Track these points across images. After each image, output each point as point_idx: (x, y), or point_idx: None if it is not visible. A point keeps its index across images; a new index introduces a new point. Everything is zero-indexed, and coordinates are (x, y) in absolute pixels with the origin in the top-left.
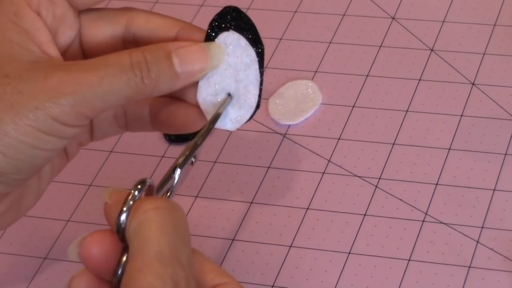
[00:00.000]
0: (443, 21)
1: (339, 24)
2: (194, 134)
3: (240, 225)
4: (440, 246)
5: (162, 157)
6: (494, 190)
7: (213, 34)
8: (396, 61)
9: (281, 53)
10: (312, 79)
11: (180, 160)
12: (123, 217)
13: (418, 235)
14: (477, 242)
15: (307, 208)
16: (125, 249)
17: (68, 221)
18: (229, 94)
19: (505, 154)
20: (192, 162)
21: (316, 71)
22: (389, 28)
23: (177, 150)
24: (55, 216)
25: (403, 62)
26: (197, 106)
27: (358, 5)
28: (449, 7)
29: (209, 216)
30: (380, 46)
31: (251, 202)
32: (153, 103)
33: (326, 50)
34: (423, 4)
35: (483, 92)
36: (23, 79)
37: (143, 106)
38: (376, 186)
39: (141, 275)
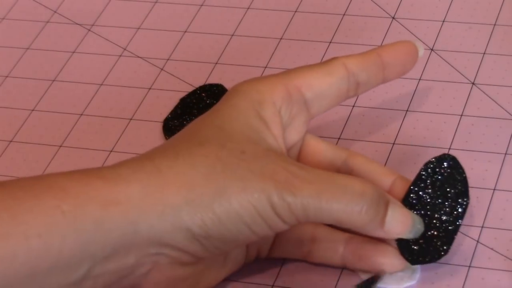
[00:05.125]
0: (443, 21)
1: (339, 24)
2: None
3: None
4: None
5: None
6: (494, 189)
7: (425, 174)
8: None
9: (281, 53)
10: None
11: None
12: None
13: None
14: (477, 241)
15: None
16: None
17: None
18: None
19: (505, 154)
20: None
21: None
22: (389, 28)
23: None
24: None
25: None
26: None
27: (358, 5)
28: (449, 7)
29: None
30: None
31: None
32: (353, 241)
33: (326, 50)
34: (423, 4)
35: (483, 92)
36: (257, 159)
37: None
38: None
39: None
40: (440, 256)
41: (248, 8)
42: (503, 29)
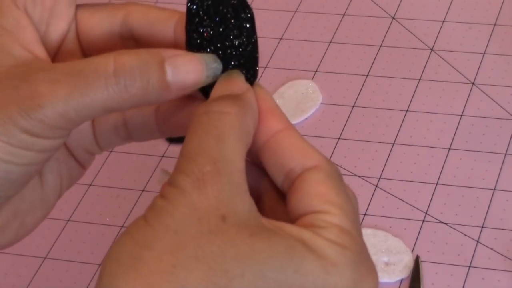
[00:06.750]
0: (443, 21)
1: (339, 24)
2: None
3: None
4: (440, 245)
5: (162, 157)
6: (494, 190)
7: (193, 7)
8: (396, 61)
9: (281, 53)
10: (312, 79)
11: None
12: None
13: (418, 234)
14: (477, 242)
15: None
16: None
17: (68, 221)
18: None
19: (505, 154)
20: None
21: (316, 71)
22: (389, 28)
23: (177, 150)
24: (55, 216)
25: (403, 62)
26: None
27: (358, 5)
28: (449, 7)
29: None
30: (380, 46)
31: None
32: (161, 108)
33: (326, 50)
34: (423, 4)
35: (483, 92)
36: None
37: (147, 114)
38: (376, 186)
39: None
40: (251, 84)
41: None
42: (503, 29)
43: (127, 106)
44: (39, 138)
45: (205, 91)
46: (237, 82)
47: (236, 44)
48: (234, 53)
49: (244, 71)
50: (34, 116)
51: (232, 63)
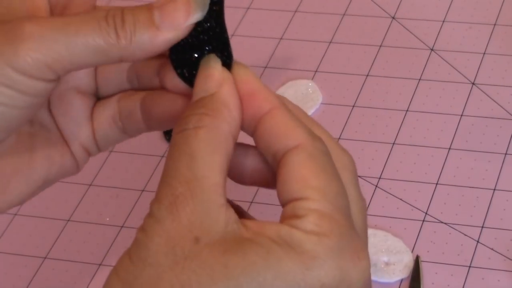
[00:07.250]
0: (443, 21)
1: (339, 24)
2: None
3: None
4: (440, 245)
5: (162, 157)
6: (494, 189)
7: None
8: (396, 61)
9: (281, 53)
10: (312, 79)
11: None
12: None
13: (418, 234)
14: (477, 241)
15: None
16: None
17: (68, 221)
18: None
19: (505, 154)
20: None
21: (316, 71)
22: (389, 28)
23: None
24: (55, 216)
25: (403, 62)
26: (185, 96)
27: (358, 5)
28: (449, 7)
29: None
30: (380, 46)
31: (251, 202)
32: (145, 98)
33: (326, 50)
34: (423, 4)
35: (483, 92)
36: None
37: (133, 100)
38: (376, 186)
39: None
40: (228, 65)
41: (248, 8)
42: (503, 29)
43: (120, 52)
44: (30, 78)
45: (189, 80)
46: (212, 75)
47: (206, 27)
48: (205, 38)
49: (219, 54)
50: (23, 47)
51: (207, 48)
